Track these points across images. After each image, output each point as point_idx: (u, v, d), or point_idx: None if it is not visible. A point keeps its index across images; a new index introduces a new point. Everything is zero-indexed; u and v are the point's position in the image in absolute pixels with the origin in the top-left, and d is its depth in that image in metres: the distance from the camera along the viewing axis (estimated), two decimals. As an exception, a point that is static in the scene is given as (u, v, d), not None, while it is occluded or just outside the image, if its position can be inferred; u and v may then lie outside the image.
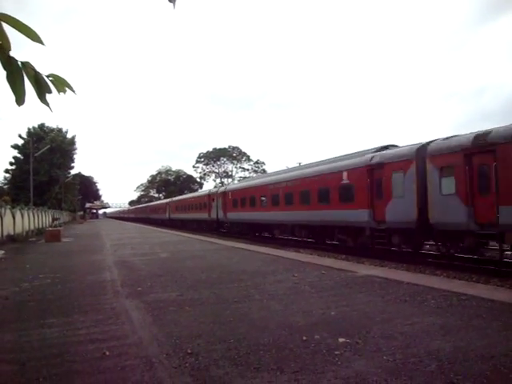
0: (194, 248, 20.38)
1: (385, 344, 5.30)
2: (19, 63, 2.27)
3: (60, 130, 73.86)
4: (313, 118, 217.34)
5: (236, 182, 75.49)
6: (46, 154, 58.95)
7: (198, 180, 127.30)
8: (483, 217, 13.59)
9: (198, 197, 47.24)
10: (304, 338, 5.63)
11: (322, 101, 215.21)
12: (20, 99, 2.33)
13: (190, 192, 77.89)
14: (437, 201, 15.13)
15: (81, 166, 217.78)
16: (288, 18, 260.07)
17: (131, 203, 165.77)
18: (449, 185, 14.74)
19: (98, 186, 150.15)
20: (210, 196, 41.03)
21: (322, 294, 8.46)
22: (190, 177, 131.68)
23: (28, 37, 2.24)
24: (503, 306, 7.10)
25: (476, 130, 14.32)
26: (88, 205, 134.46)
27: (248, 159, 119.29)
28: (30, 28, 2.22)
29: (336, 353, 5.03)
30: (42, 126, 71.98)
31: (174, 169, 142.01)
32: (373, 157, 18.10)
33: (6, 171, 70.80)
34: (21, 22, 2.19)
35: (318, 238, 24.18)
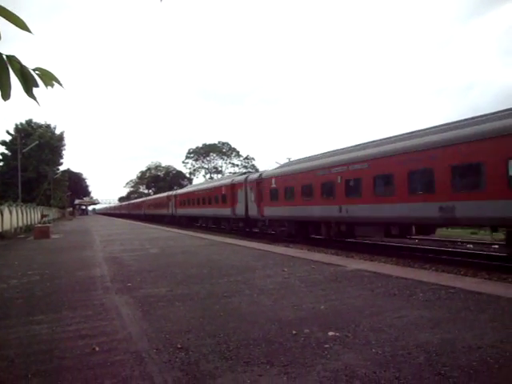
0: (184, 243, 20.36)
1: (374, 337, 5.34)
2: (4, 56, 2.25)
3: (48, 126, 73.30)
4: (302, 114, 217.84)
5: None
6: (35, 150, 58.51)
7: (188, 176, 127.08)
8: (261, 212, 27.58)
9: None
10: (294, 331, 5.66)
11: (311, 96, 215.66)
12: (5, 93, 2.31)
13: (180, 188, 77.14)
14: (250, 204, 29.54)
15: (70, 162, 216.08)
16: (277, 14, 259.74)
17: (121, 199, 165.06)
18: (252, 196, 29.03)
19: (88, 182, 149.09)
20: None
21: (312, 289, 8.50)
22: (179, 172, 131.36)
23: (15, 25, 2.21)
24: (490, 299, 7.18)
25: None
26: (77, 201, 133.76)
27: (238, 155, 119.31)
28: (16, 16, 2.20)
29: (325, 346, 5.06)
30: (29, 122, 71.39)
31: (163, 165, 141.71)
32: (233, 179, 33.96)
33: (-7, 167, 70.26)
34: (7, 10, 2.17)
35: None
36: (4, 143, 67.55)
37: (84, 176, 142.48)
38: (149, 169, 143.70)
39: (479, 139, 13.60)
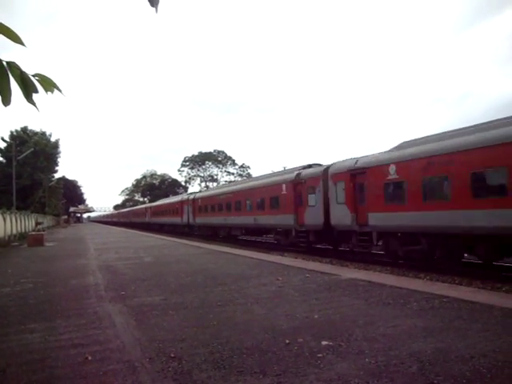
0: (178, 252, 20.32)
1: (367, 346, 5.34)
2: (4, 63, 2.27)
3: (44, 134, 73.10)
4: (297, 122, 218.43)
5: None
6: (30, 157, 58.35)
7: (183, 184, 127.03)
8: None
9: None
10: (287, 341, 5.65)
11: (306, 104, 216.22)
12: (6, 99, 2.33)
13: (175, 196, 77.45)
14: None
15: (65, 169, 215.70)
16: (272, 23, 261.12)
17: (116, 207, 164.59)
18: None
19: (83, 189, 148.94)
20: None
21: (306, 298, 8.49)
22: (175, 181, 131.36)
23: (9, 38, 2.23)
24: (483, 308, 7.19)
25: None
26: (72, 209, 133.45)
27: (233, 163, 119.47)
28: (10, 29, 2.22)
29: (319, 355, 5.05)
30: (25, 129, 71.16)
31: (159, 173, 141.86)
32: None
33: (-12, 175, 69.95)
34: (1, 24, 2.19)
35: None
36: (-2, 150, 67.28)
37: (79, 184, 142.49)
38: (144, 177, 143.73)
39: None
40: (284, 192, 24.84)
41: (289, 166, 35.34)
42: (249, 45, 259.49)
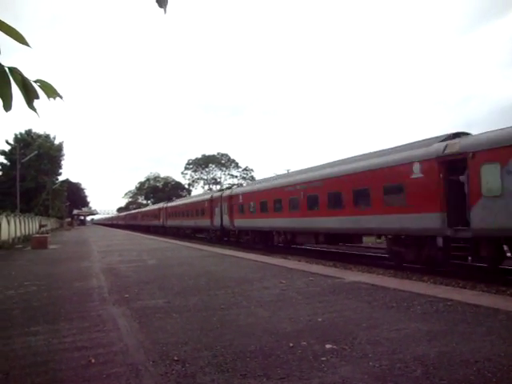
0: (181, 255, 20.33)
1: (371, 350, 5.32)
2: (6, 69, 2.27)
3: (47, 136, 73.49)
4: (300, 124, 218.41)
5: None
6: (34, 160, 58.58)
7: (187, 187, 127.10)
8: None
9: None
10: (291, 344, 5.64)
11: (310, 107, 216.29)
12: (7, 105, 2.33)
13: (178, 198, 77.22)
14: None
15: (68, 172, 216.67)
16: (275, 26, 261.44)
17: (119, 210, 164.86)
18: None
19: (86, 192, 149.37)
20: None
21: (309, 301, 8.48)
22: (178, 183, 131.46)
23: (14, 39, 2.23)
24: (488, 311, 7.16)
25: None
26: (76, 211, 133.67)
27: (236, 166, 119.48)
28: (15, 30, 2.22)
29: (322, 359, 5.04)
30: (29, 132, 71.50)
31: (162, 175, 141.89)
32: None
33: (-8, 177, 70.22)
34: (6, 24, 2.19)
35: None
36: (3, 153, 67.57)
37: (83, 186, 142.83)
38: (148, 179, 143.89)
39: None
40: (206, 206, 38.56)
41: (292, 169, 36.11)
42: (253, 48, 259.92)
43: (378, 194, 17.27)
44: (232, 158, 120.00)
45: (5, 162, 67.26)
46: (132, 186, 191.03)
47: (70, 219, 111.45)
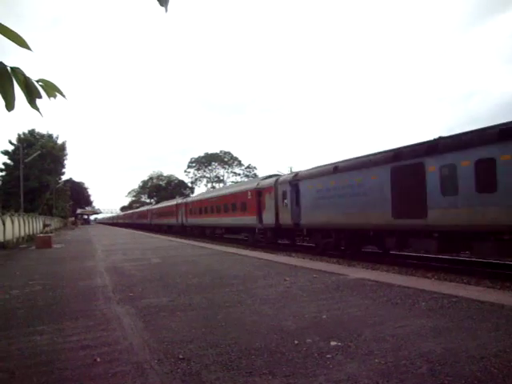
0: (185, 253, 20.34)
1: (376, 347, 5.31)
2: (8, 68, 2.27)
3: (50, 136, 73.47)
4: (304, 122, 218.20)
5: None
6: (37, 159, 58.54)
7: (190, 185, 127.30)
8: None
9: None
10: (296, 341, 5.63)
11: (313, 104, 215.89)
12: (10, 104, 2.33)
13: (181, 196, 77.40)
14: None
15: (72, 171, 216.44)
16: (278, 23, 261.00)
17: (123, 209, 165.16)
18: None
19: (89, 191, 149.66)
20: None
21: (314, 298, 8.47)
22: (181, 182, 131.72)
23: (15, 42, 2.24)
24: (493, 307, 7.14)
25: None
26: (79, 211, 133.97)
27: (239, 164, 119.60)
28: (16, 34, 2.22)
29: (328, 356, 5.03)
30: (32, 132, 71.59)
31: (165, 174, 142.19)
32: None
33: (-4, 177, 70.42)
34: (7, 28, 2.19)
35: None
36: (6, 153, 67.69)
37: (86, 185, 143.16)
38: (151, 178, 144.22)
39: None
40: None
41: (295, 167, 37.00)
42: (255, 45, 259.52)
43: (238, 205, 32.98)
44: (235, 155, 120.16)
45: (8, 162, 67.35)
46: (135, 184, 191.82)
47: (73, 218, 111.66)
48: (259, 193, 29.04)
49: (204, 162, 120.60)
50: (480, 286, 11.55)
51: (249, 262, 15.35)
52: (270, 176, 30.76)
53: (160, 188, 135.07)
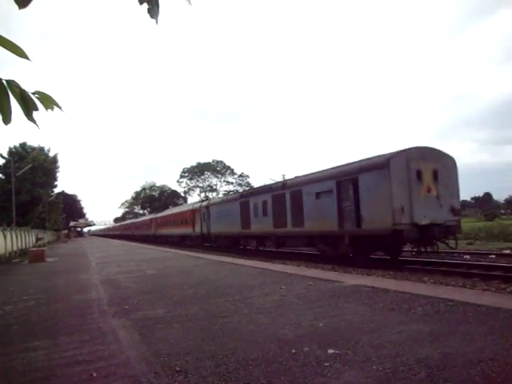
0: (180, 263, 20.27)
1: (374, 353, 5.30)
2: (4, 82, 2.27)
3: (42, 149, 73.18)
4: (296, 130, 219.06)
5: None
6: (28, 173, 58.22)
7: (183, 195, 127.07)
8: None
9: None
10: (293, 350, 5.61)
11: (305, 112, 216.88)
12: (7, 118, 2.33)
13: (175, 207, 77.07)
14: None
15: (64, 184, 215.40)
16: (269, 31, 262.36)
17: (116, 220, 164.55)
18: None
19: (82, 203, 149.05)
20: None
21: (310, 306, 8.45)
22: (174, 192, 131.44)
23: (14, 53, 2.24)
24: (489, 310, 7.16)
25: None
26: (72, 223, 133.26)
27: (232, 173, 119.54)
28: (15, 44, 2.23)
29: (326, 364, 5.01)
30: (23, 145, 71.28)
31: (158, 184, 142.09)
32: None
33: (-13, 191, 69.97)
34: (6, 39, 2.19)
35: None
36: (-3, 167, 67.36)
37: (79, 198, 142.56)
38: (143, 189, 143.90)
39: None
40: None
41: (288, 175, 40.49)
42: (246, 54, 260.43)
43: (184, 220, 45.74)
44: (227, 164, 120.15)
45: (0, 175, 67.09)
46: (128, 195, 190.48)
47: (66, 231, 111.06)
48: (193, 213, 42.66)
49: (197, 171, 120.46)
50: (475, 288, 11.56)
51: (244, 271, 15.32)
52: (202, 201, 48.56)
53: (153, 199, 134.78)
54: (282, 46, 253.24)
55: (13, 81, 2.31)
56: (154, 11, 2.48)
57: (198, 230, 40.63)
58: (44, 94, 2.46)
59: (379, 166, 16.98)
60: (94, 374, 5.18)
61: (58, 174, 78.55)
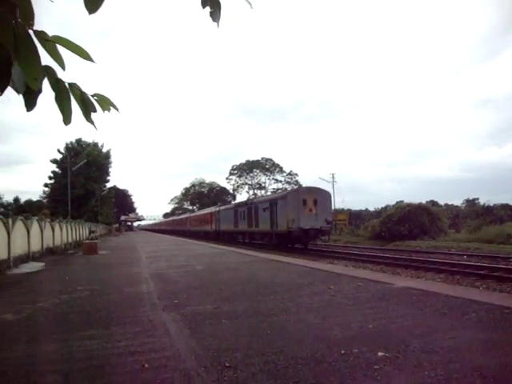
0: (229, 260, 20.44)
1: (425, 358, 5.19)
2: (66, 84, 2.37)
3: (96, 144, 75.62)
4: (345, 128, 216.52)
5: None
6: (83, 167, 60.39)
7: (231, 192, 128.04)
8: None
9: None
10: (342, 351, 5.57)
11: (355, 111, 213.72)
12: (67, 119, 2.43)
13: (224, 204, 78.44)
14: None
15: (116, 179, 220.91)
16: (318, 30, 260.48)
17: (165, 215, 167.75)
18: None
19: (133, 198, 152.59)
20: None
21: (359, 307, 8.36)
22: (223, 189, 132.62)
23: (80, 56, 2.34)
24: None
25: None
26: (123, 217, 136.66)
27: (281, 171, 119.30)
28: (81, 48, 2.32)
29: (375, 367, 4.95)
30: (79, 141, 73.99)
31: (207, 181, 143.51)
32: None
33: (45, 185, 73.08)
34: (73, 43, 2.28)
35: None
36: (55, 161, 70.15)
37: (129, 193, 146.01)
38: (193, 185, 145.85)
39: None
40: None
41: (337, 173, 45.33)
42: (300, 52, 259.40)
43: (206, 220, 62.05)
44: (276, 162, 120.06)
45: (56, 170, 69.80)
46: (177, 191, 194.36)
47: (117, 225, 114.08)
48: (212, 215, 58.32)
49: (246, 169, 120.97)
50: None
51: (292, 270, 15.30)
52: (219, 205, 63.29)
53: (202, 195, 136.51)
54: (331, 41, 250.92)
55: (74, 84, 2.41)
56: (216, 15, 2.53)
57: (214, 227, 56.44)
58: (102, 96, 2.55)
59: (283, 197, 33.26)
60: (146, 365, 5.32)
61: (110, 169, 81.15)
